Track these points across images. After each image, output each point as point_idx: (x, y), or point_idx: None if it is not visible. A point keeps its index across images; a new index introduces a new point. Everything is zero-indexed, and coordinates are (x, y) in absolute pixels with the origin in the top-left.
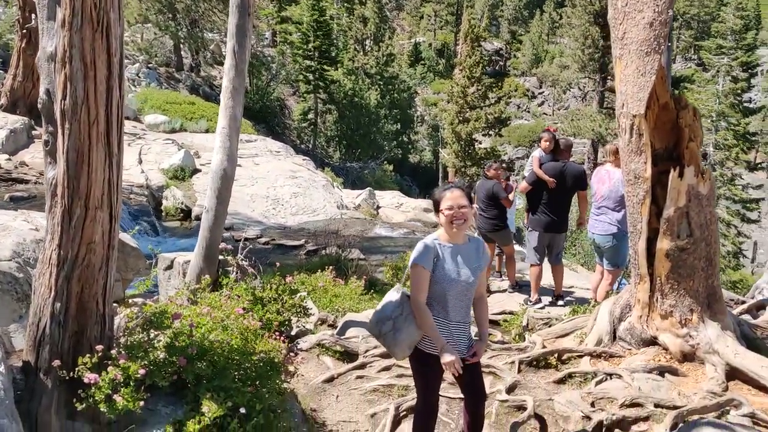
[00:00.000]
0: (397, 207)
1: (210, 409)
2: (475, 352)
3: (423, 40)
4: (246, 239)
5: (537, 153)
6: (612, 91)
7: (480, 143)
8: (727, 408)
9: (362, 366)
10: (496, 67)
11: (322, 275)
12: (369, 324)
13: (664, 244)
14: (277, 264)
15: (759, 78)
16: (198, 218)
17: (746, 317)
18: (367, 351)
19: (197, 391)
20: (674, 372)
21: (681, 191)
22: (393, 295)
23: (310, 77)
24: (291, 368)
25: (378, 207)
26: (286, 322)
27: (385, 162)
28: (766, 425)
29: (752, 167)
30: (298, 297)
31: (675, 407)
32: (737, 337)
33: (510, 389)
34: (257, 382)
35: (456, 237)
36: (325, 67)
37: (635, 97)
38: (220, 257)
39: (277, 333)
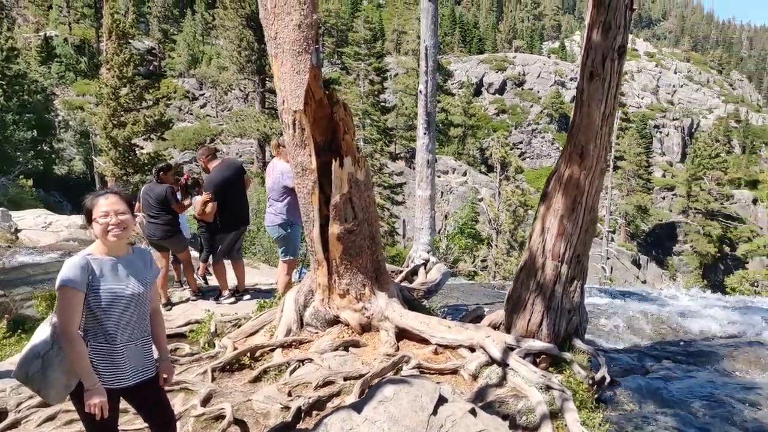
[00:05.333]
0: (45, 227)
1: None
2: (165, 377)
3: (56, 34)
4: None
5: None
6: (272, 92)
7: (142, 148)
8: (401, 365)
9: (16, 423)
10: (150, 68)
11: None
12: (15, 369)
13: (334, 228)
14: None
15: (390, 81)
16: None
17: (405, 284)
18: (20, 404)
19: None
20: (356, 344)
21: (343, 179)
22: (44, 329)
23: None
24: None
25: (17, 230)
26: None
27: (21, 176)
28: (428, 371)
29: (394, 157)
30: None
31: (360, 376)
32: (401, 302)
33: (205, 401)
34: None
35: (116, 248)
36: None
37: (293, 94)
38: None
39: None
